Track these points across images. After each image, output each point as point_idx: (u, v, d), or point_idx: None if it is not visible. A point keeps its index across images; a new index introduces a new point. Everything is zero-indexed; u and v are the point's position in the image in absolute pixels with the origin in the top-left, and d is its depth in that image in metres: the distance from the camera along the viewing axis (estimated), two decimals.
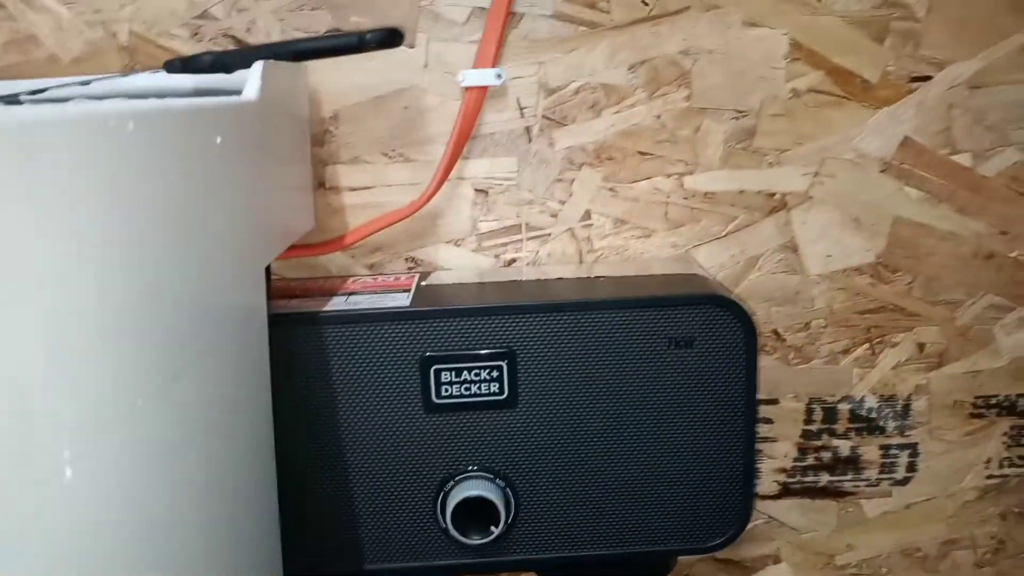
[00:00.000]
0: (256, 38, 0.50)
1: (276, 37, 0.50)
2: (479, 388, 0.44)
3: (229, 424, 0.35)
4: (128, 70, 0.51)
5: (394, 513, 0.45)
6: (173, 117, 0.30)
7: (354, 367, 0.44)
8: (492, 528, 0.45)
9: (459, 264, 0.53)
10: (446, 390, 0.44)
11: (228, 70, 0.45)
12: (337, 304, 0.45)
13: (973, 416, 0.56)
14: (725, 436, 0.45)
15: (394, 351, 0.44)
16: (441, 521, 0.45)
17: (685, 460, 0.46)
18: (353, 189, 0.52)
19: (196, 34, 0.50)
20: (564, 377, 0.44)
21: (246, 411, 0.38)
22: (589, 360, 0.44)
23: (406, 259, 0.53)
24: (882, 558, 0.58)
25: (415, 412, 0.44)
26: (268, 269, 0.41)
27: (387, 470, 0.45)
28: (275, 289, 0.49)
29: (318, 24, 0.50)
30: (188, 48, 0.50)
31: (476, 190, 0.52)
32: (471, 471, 0.45)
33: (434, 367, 0.44)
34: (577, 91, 0.51)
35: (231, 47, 0.51)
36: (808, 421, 0.56)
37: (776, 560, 0.58)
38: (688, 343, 0.44)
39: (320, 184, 0.52)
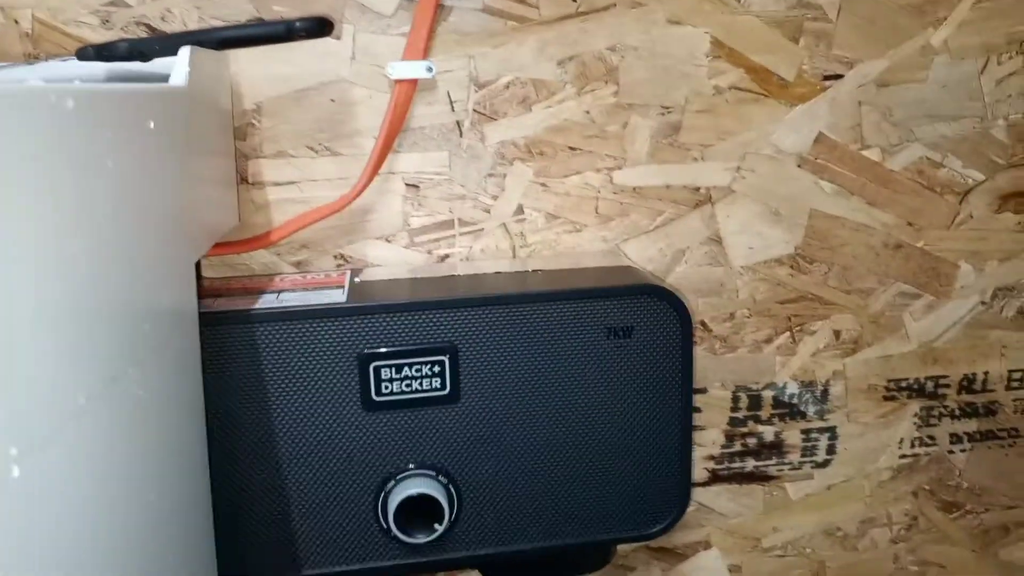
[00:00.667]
0: (172, 27, 0.48)
1: (193, 26, 0.48)
2: (420, 384, 0.43)
3: (164, 424, 0.33)
4: (32, 58, 0.48)
5: (333, 515, 0.44)
6: (109, 98, 0.28)
7: (289, 366, 0.42)
8: (436, 526, 0.44)
9: (390, 261, 0.52)
10: (386, 387, 0.43)
11: (145, 58, 0.43)
12: (268, 302, 0.44)
13: (886, 399, 0.59)
14: (663, 424, 0.46)
15: (331, 349, 0.43)
16: (383, 521, 0.44)
17: (625, 449, 0.46)
18: (278, 184, 0.50)
19: (107, 21, 0.48)
20: (506, 370, 0.44)
21: (180, 411, 0.36)
22: (531, 352, 0.44)
23: (335, 256, 0.52)
24: (805, 538, 0.60)
25: (354, 411, 0.43)
26: (198, 266, 0.40)
27: (325, 471, 0.43)
28: (199, 289, 0.47)
29: (238, 13, 0.49)
30: (98, 36, 0.48)
31: (407, 184, 0.51)
32: (413, 469, 0.44)
33: (373, 364, 0.43)
34: (507, 85, 0.51)
35: (143, 35, 0.48)
36: (735, 408, 0.57)
37: (707, 545, 0.59)
38: (627, 333, 0.45)
39: (243, 179, 0.50)
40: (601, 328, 0.45)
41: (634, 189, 0.53)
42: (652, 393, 0.46)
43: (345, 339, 0.43)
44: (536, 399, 0.45)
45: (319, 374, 0.43)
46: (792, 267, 0.56)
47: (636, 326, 0.45)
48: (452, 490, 0.45)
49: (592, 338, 0.45)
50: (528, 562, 0.48)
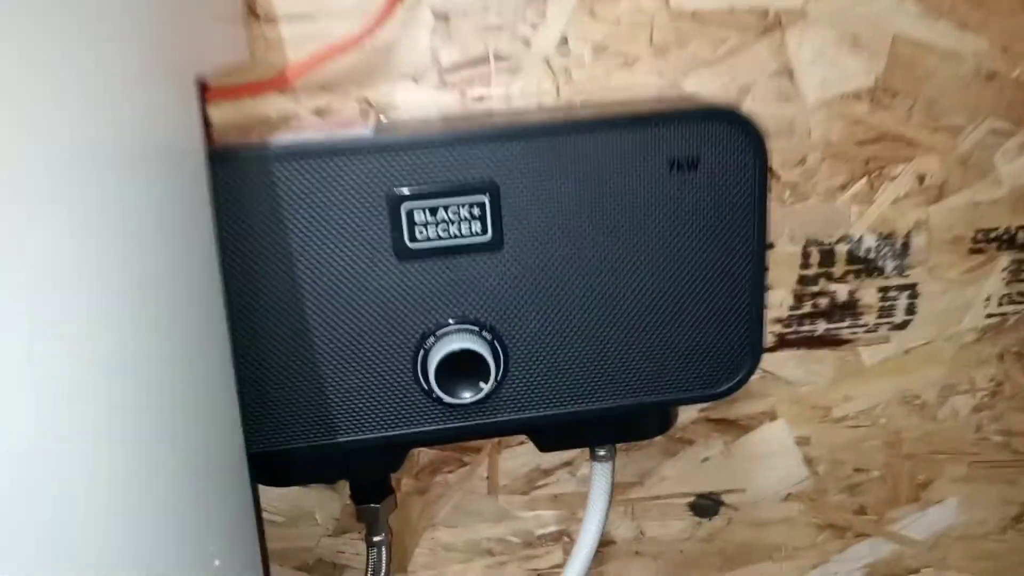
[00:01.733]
0: None
1: None
2: (459, 229, 0.39)
3: (175, 263, 0.29)
4: None
5: (368, 376, 0.40)
6: None
7: (312, 210, 0.38)
8: (481, 384, 0.40)
9: (419, 103, 0.46)
10: (421, 232, 0.38)
11: None
12: (286, 139, 0.38)
13: (973, 251, 0.53)
14: (732, 269, 0.41)
15: (358, 189, 0.38)
16: (423, 382, 0.40)
17: (689, 298, 0.41)
18: (291, 17, 0.44)
19: None
20: (555, 212, 0.39)
21: (191, 250, 0.31)
22: (582, 190, 0.39)
23: (357, 100, 0.46)
24: (880, 407, 0.55)
25: (386, 260, 0.39)
26: (203, 90, 0.34)
27: (358, 327, 0.39)
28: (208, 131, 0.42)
29: None
30: None
31: (435, 15, 0.45)
32: (454, 324, 0.40)
33: (405, 206, 0.38)
34: None
35: None
36: (805, 265, 0.52)
37: (772, 416, 0.55)
38: (692, 164, 0.39)
39: (251, 11, 0.44)
40: (662, 160, 0.39)
41: (693, 14, 0.47)
42: (720, 234, 0.40)
43: (373, 178, 0.38)
44: (588, 244, 0.39)
45: (346, 219, 0.38)
46: (872, 102, 0.49)
47: (703, 157, 0.39)
48: (497, 346, 0.40)
49: (652, 172, 0.39)
50: (580, 427, 0.44)
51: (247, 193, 0.37)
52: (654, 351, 0.41)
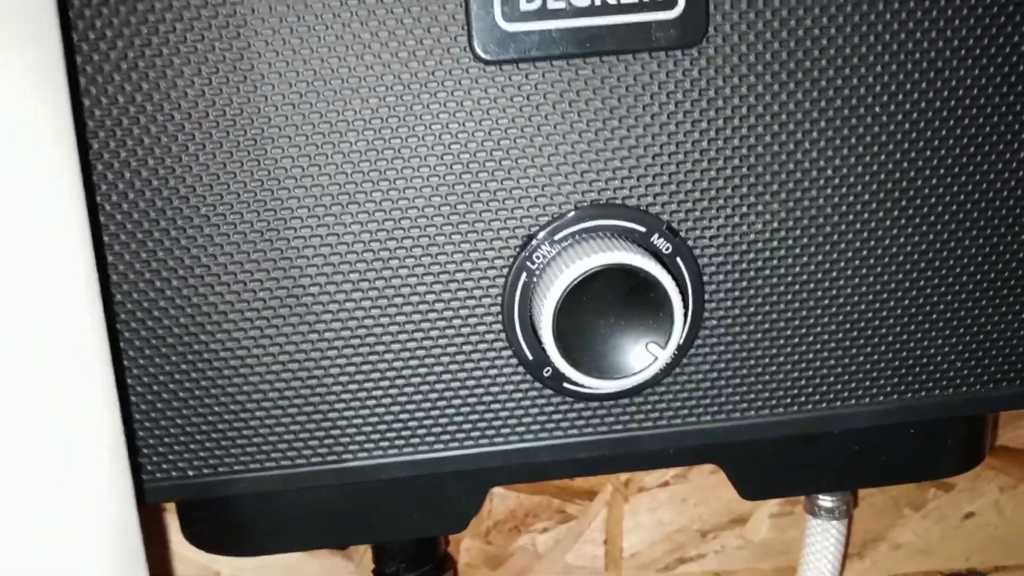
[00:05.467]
0: None
1: None
2: None
3: None
4: None
5: (405, 332, 0.19)
6: None
7: None
8: (653, 348, 0.18)
9: None
10: None
11: None
12: None
13: None
14: None
15: None
16: (523, 342, 0.19)
17: None
18: None
19: None
20: None
21: None
22: None
23: None
24: None
25: (455, 62, 0.18)
26: None
27: (384, 218, 0.18)
28: None
29: None
30: None
31: None
32: (587, 212, 0.19)
33: None
34: None
35: None
36: None
37: None
38: None
39: None
40: None
41: None
42: None
43: None
44: (876, 58, 0.19)
45: None
46: None
47: None
48: (683, 268, 0.19)
49: None
50: (827, 451, 0.22)
51: None
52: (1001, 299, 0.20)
